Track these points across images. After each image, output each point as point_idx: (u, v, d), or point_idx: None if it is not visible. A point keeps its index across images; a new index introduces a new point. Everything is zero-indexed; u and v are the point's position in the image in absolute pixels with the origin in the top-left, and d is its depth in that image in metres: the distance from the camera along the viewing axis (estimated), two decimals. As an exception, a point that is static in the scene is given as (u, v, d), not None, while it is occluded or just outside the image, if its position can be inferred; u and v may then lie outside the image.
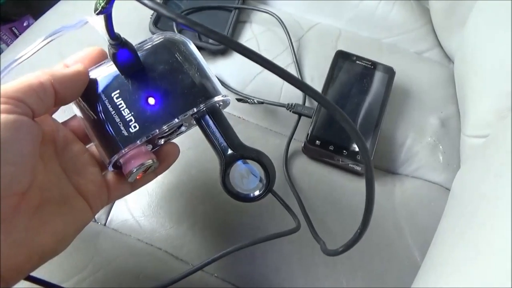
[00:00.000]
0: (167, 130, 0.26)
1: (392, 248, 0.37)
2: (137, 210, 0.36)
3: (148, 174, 0.28)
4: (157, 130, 0.25)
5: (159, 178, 0.38)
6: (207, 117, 0.27)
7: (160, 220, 0.36)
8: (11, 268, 0.21)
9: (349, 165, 0.40)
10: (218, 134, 0.26)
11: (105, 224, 0.36)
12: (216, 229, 0.36)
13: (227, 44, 0.18)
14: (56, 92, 0.23)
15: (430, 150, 0.43)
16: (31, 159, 0.21)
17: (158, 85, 0.26)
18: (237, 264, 0.35)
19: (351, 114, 0.42)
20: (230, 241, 0.36)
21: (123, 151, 0.25)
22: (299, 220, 0.31)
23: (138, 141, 0.25)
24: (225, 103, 0.28)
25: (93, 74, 0.26)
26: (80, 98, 0.26)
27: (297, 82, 0.19)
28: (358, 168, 0.40)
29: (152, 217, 0.36)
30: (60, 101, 0.24)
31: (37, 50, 0.26)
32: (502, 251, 0.22)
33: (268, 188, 0.27)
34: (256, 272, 0.35)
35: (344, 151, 0.39)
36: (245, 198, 0.27)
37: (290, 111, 0.42)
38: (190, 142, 0.40)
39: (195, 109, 0.26)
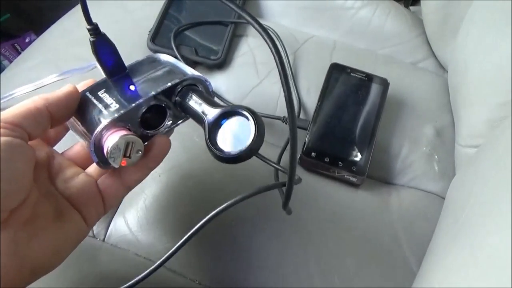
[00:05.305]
0: (145, 109, 0.27)
1: (389, 258, 0.38)
2: (135, 224, 0.37)
3: (136, 161, 0.27)
4: (134, 104, 0.26)
5: (156, 191, 0.38)
6: (189, 96, 0.28)
7: (158, 234, 0.36)
8: (2, 279, 0.21)
9: (345, 176, 0.40)
10: (200, 101, 0.27)
11: (103, 240, 0.36)
12: (214, 241, 0.37)
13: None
14: (51, 114, 0.24)
15: (425, 159, 0.43)
16: (25, 178, 0.22)
17: (140, 78, 0.28)
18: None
19: (347, 126, 0.43)
20: (228, 253, 0.36)
21: (102, 125, 0.25)
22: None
23: (116, 114, 0.26)
24: (206, 87, 0.29)
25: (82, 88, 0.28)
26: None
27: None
28: (354, 179, 0.40)
29: (150, 231, 0.37)
30: (55, 123, 0.25)
31: (47, 84, 0.27)
32: (495, 255, 0.22)
33: (258, 134, 0.25)
34: (251, 276, 0.35)
35: (340, 163, 0.40)
36: (228, 158, 0.25)
37: (285, 123, 0.43)
38: (187, 154, 0.40)
39: (169, 84, 0.27)
